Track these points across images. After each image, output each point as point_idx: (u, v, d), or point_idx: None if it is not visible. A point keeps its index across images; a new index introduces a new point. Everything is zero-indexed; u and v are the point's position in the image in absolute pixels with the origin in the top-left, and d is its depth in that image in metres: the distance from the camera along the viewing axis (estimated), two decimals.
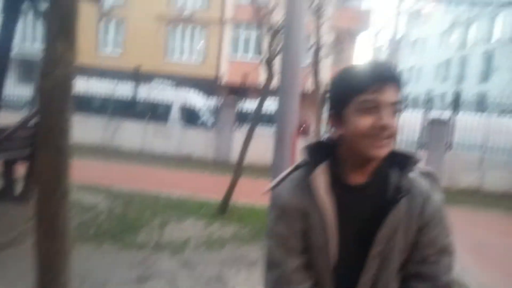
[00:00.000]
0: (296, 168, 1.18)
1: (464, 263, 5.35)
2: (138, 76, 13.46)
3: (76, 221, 4.94)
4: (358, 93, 1.03)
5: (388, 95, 1.02)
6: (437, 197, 1.12)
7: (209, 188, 8.05)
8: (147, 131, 12.53)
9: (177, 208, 6.37)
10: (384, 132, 1.02)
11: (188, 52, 22.45)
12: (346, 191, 1.11)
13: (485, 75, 29.42)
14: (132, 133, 12.52)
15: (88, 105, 12.49)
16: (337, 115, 1.09)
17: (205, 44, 22.12)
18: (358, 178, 1.11)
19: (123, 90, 12.88)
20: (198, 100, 13.66)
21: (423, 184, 1.12)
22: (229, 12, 20.88)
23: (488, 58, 29.18)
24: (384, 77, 1.03)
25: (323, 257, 1.12)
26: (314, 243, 1.12)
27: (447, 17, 34.77)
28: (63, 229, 2.78)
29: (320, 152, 1.15)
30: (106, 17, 21.34)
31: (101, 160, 10.28)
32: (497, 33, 28.41)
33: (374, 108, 1.02)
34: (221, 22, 21.35)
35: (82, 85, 11.93)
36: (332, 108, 1.11)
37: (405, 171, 1.10)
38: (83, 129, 11.05)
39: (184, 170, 10.45)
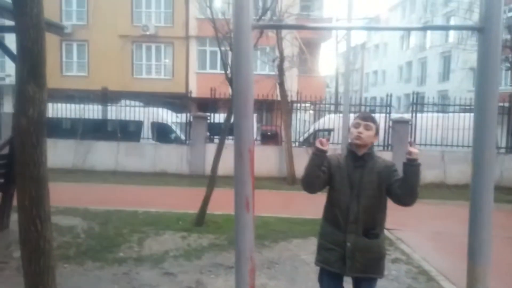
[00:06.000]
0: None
1: (427, 252, 5.77)
2: (106, 96, 13.52)
3: (57, 243, 5.06)
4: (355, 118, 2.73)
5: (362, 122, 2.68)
6: (391, 163, 2.73)
7: (186, 202, 8.23)
8: (120, 150, 12.59)
9: (155, 223, 6.54)
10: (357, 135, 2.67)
11: (156, 69, 22.59)
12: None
13: (444, 75, 30.77)
14: (104, 154, 12.55)
15: (57, 128, 12.44)
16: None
17: (172, 60, 22.32)
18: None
19: (91, 111, 12.90)
20: (169, 116, 13.83)
21: (381, 160, 2.73)
22: (193, 28, 21.18)
23: (446, 59, 30.54)
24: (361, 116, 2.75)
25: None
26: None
27: (403, 22, 36.22)
28: (46, 251, 2.97)
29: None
30: (68, 39, 21.27)
31: (76, 182, 10.30)
32: (452, 34, 29.77)
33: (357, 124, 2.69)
34: (186, 38, 21.62)
35: (49, 110, 11.90)
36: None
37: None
38: (54, 153, 11.03)
39: (159, 186, 10.58)
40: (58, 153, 11.82)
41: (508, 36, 11.15)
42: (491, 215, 1.67)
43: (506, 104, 11.59)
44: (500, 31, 1.55)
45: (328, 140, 2.63)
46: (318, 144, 2.55)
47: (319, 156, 2.56)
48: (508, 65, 11.11)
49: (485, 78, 1.59)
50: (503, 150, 12.03)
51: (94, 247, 5.27)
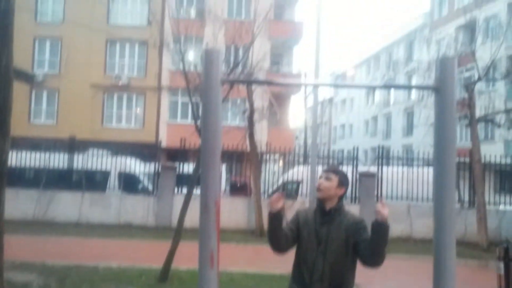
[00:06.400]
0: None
1: None
2: (73, 145, 13.27)
3: None
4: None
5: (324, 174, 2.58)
6: (360, 219, 2.53)
7: (150, 255, 7.94)
8: (84, 201, 12.18)
9: (116, 279, 6.24)
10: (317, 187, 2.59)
11: (126, 119, 22.50)
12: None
13: (408, 130, 32.10)
14: (67, 204, 12.10)
15: (20, 178, 11.99)
16: None
17: (143, 110, 22.36)
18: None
19: (57, 160, 12.55)
20: (137, 166, 13.60)
21: (350, 215, 2.54)
22: (165, 79, 21.49)
23: (409, 115, 32.01)
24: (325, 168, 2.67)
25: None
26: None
27: (368, 79, 38.14)
28: None
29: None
30: (39, 88, 21.10)
31: (34, 235, 9.78)
32: (413, 92, 31.46)
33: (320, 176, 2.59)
34: (158, 89, 21.86)
35: (13, 158, 11.49)
36: None
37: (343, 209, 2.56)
38: (15, 203, 10.59)
39: (124, 239, 10.19)
40: (19, 203, 11.36)
41: (466, 95, 11.83)
42: (454, 270, 1.63)
43: (468, 160, 12.07)
44: (454, 91, 1.64)
45: (283, 195, 2.44)
46: (271, 205, 2.39)
47: (275, 217, 2.40)
48: (467, 122, 11.70)
49: (443, 135, 1.65)
50: (466, 205, 12.37)
51: None
